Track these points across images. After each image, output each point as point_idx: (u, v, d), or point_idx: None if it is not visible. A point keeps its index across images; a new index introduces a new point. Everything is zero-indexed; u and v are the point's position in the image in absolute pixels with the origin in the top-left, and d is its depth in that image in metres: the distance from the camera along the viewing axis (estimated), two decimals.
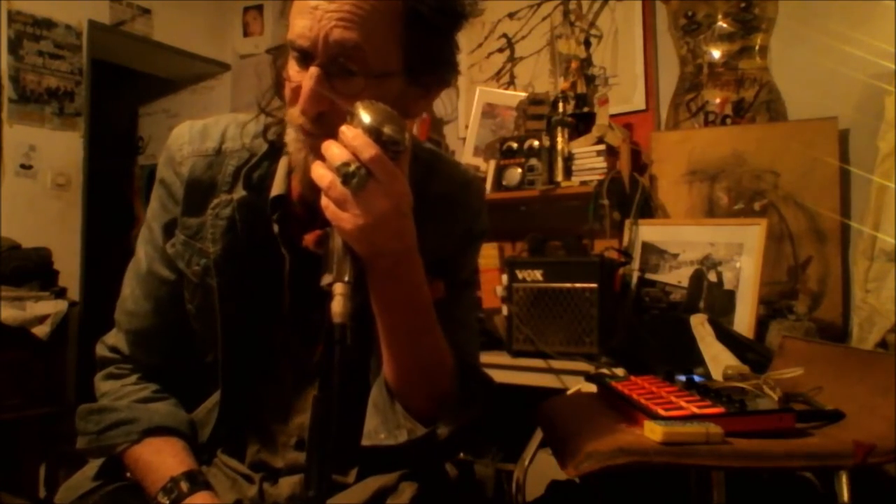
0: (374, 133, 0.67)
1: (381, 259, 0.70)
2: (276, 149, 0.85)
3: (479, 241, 0.95)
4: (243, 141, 0.87)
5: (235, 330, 0.85)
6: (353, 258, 0.68)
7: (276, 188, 0.84)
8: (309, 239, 0.83)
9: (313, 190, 0.72)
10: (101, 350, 0.92)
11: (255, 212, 0.84)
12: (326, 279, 0.67)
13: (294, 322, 0.86)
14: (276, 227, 0.83)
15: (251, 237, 0.84)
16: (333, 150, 0.67)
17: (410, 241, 0.72)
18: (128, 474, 0.86)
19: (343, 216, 0.66)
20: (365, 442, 0.79)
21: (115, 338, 0.91)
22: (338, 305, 0.64)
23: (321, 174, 0.68)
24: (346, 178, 0.65)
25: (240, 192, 0.84)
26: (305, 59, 0.72)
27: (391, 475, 0.85)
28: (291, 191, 0.84)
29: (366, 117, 0.68)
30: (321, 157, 0.68)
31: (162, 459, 0.82)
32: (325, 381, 0.64)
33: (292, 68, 0.74)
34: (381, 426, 0.79)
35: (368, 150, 0.66)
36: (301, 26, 0.71)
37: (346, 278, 0.66)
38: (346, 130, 0.67)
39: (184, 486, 0.79)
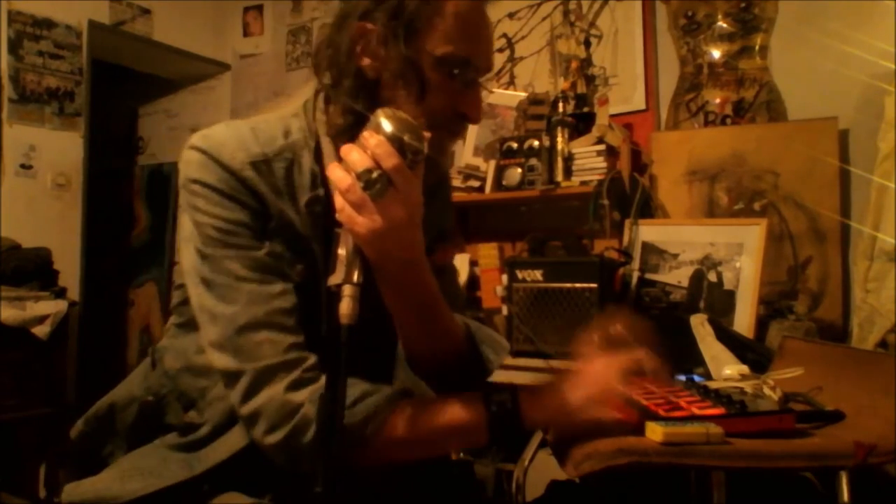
0: (395, 142, 0.68)
1: (390, 265, 0.73)
2: (306, 146, 0.85)
3: (451, 197, 1.08)
4: (279, 142, 0.84)
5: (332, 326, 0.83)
6: (363, 260, 0.69)
7: None
8: None
9: None
10: (237, 363, 0.76)
11: (330, 207, 0.79)
12: (334, 280, 0.68)
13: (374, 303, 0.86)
14: None
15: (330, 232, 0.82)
16: (354, 156, 0.68)
17: (419, 250, 0.75)
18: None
19: (359, 220, 0.68)
20: None
21: (264, 341, 0.77)
22: (346, 307, 0.65)
23: (340, 176, 0.69)
24: (369, 185, 0.67)
25: (310, 191, 0.83)
26: (470, 74, 0.80)
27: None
28: None
29: (387, 125, 0.69)
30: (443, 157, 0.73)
31: (445, 400, 0.78)
32: (332, 381, 0.64)
33: (439, 75, 0.79)
34: None
35: (391, 159, 0.67)
36: (485, 52, 0.82)
37: (356, 280, 0.67)
38: (368, 137, 0.69)
39: (498, 396, 0.76)
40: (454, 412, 0.77)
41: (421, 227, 0.73)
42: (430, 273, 0.80)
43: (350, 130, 0.80)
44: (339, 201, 0.69)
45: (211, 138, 0.83)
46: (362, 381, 0.77)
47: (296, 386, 0.75)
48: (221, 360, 0.78)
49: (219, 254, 0.79)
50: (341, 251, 0.70)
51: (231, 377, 0.77)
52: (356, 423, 0.74)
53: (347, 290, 0.66)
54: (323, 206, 0.83)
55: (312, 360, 0.78)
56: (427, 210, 0.74)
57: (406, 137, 0.69)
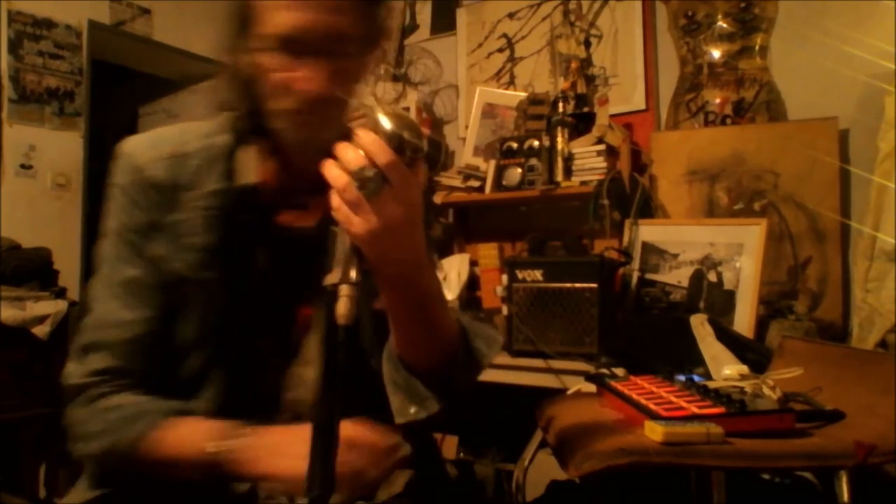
0: (395, 139, 0.67)
1: (390, 265, 0.72)
2: (234, 143, 0.89)
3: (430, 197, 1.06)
4: (198, 142, 0.90)
5: (229, 321, 0.86)
6: (359, 259, 0.68)
7: (250, 177, 0.87)
8: (289, 218, 0.87)
9: (297, 176, 0.77)
10: (75, 379, 0.86)
11: (233, 203, 0.87)
12: (331, 279, 0.67)
13: (273, 305, 0.88)
14: (251, 214, 0.87)
15: (232, 227, 0.86)
16: (349, 154, 0.67)
17: (419, 251, 0.73)
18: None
19: (355, 220, 0.67)
20: (399, 420, 0.80)
21: (96, 361, 0.86)
22: (343, 307, 0.64)
23: (336, 175, 0.67)
24: (363, 184, 0.65)
25: (213, 185, 0.87)
26: (301, 49, 0.77)
27: None
28: (263, 179, 0.88)
29: (386, 122, 0.67)
30: (321, 138, 0.68)
31: (195, 429, 0.79)
32: (328, 384, 0.64)
33: (275, 60, 0.78)
34: (407, 401, 0.81)
35: (385, 155, 0.66)
36: (297, 18, 0.76)
37: (353, 279, 0.66)
38: (363, 135, 0.67)
39: (227, 435, 0.77)
40: (183, 445, 0.79)
41: (422, 226, 0.72)
42: (433, 273, 0.79)
43: (253, 133, 0.86)
44: (335, 201, 0.68)
45: (130, 141, 0.90)
46: (143, 399, 0.84)
47: (94, 410, 0.83)
48: (70, 366, 0.87)
49: (106, 267, 0.88)
50: (338, 250, 0.69)
51: (69, 387, 0.86)
52: (125, 441, 0.80)
53: (344, 289, 0.65)
54: (228, 200, 0.86)
55: (126, 381, 0.85)
56: None
57: (405, 134, 0.67)
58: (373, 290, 0.76)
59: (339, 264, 0.68)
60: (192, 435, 0.78)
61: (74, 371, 0.87)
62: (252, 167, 0.88)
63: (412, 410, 0.80)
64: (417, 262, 0.74)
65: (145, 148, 0.89)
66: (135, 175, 0.87)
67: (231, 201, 0.86)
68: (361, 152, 0.66)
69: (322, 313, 0.82)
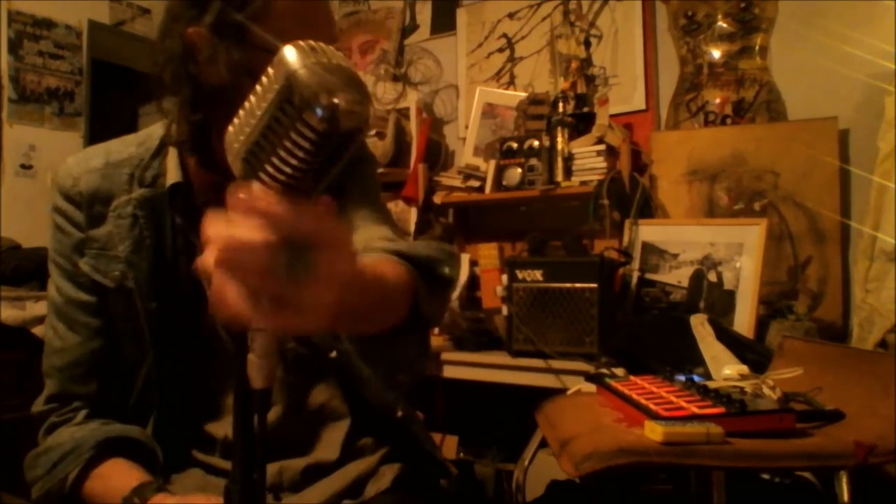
0: (326, 119, 0.40)
1: (337, 318, 0.50)
2: (163, 146, 0.88)
3: (369, 165, 1.00)
4: (130, 150, 0.89)
5: (163, 326, 0.85)
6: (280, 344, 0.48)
7: (171, 178, 0.85)
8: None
9: (221, 171, 0.62)
10: (36, 408, 0.91)
11: (157, 207, 0.86)
12: (256, 384, 0.47)
13: None
14: (177, 216, 0.85)
15: (158, 232, 0.85)
16: (245, 233, 0.40)
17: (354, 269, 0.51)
18: None
19: (288, 318, 0.42)
20: (390, 392, 0.80)
21: (49, 387, 0.90)
22: (254, 367, 0.45)
23: (243, 261, 0.41)
24: (294, 267, 0.41)
25: (138, 191, 0.86)
26: None
27: (370, 459, 0.88)
28: (190, 177, 0.86)
29: (304, 77, 0.41)
30: None
31: (112, 485, 0.81)
32: (247, 457, 0.49)
33: None
34: (393, 369, 0.80)
35: (306, 220, 0.41)
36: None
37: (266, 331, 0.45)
38: (259, 191, 0.42)
39: (136, 501, 0.78)
40: (103, 494, 0.82)
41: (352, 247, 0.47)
42: (365, 272, 0.57)
43: (193, 140, 0.82)
44: (243, 302, 0.41)
45: (62, 163, 0.89)
46: (77, 433, 0.85)
47: (36, 453, 0.89)
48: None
49: (51, 292, 0.89)
50: (251, 355, 0.46)
51: (33, 416, 0.91)
52: (55, 485, 0.86)
53: (259, 347, 0.45)
54: (154, 204, 0.85)
55: (73, 405, 0.88)
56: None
57: (342, 100, 0.40)
58: None
59: (258, 369, 0.46)
60: (111, 496, 0.80)
61: (38, 399, 0.90)
62: (175, 167, 0.86)
63: (399, 377, 0.79)
64: (362, 289, 0.55)
65: (71, 167, 0.88)
66: (61, 196, 0.87)
67: (157, 205, 0.85)
68: (266, 210, 0.41)
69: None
